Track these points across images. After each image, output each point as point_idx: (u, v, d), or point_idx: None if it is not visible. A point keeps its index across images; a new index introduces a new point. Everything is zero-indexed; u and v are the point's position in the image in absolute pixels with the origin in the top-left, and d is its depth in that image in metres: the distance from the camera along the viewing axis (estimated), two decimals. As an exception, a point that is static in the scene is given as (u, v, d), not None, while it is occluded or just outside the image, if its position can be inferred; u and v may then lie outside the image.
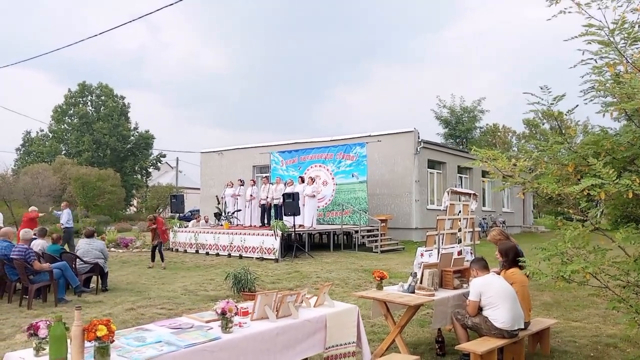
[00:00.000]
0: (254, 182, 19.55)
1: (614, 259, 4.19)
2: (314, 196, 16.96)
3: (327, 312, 4.25)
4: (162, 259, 13.62)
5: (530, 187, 4.47)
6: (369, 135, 20.63)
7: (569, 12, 4.32)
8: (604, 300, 4.86)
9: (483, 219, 24.12)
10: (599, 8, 4.25)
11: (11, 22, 77.23)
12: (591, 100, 4.51)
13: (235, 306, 3.56)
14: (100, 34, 17.16)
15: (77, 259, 9.24)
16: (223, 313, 3.47)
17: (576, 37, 4.19)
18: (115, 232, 20.49)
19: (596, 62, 4.38)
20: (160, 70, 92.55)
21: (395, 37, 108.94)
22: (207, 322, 3.75)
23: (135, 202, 45.58)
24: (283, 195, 15.87)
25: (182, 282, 10.66)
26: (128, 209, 41.43)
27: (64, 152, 43.63)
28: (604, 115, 4.40)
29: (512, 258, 5.50)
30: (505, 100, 78.28)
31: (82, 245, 9.60)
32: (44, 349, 2.97)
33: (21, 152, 45.69)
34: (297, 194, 15.63)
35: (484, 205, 25.88)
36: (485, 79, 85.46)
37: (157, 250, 13.65)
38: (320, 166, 20.06)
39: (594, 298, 8.32)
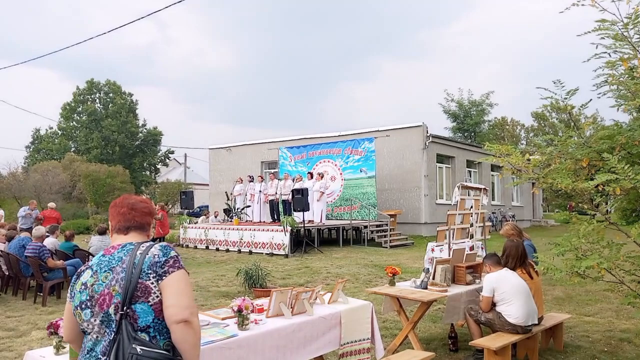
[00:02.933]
0: (262, 178, 19.59)
1: (629, 254, 4.17)
2: (323, 192, 16.98)
3: (341, 308, 4.26)
4: None
5: (543, 183, 4.46)
6: (377, 130, 20.58)
7: (582, 5, 4.28)
8: (618, 295, 4.83)
9: (493, 213, 24.04)
10: (612, 0, 4.21)
11: (19, 22, 77.64)
12: (604, 94, 4.48)
13: (252, 303, 3.59)
14: (108, 31, 17.23)
15: (90, 256, 9.32)
16: (239, 310, 3.50)
17: (589, 32, 4.15)
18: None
19: (610, 56, 4.35)
20: (168, 67, 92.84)
21: (402, 32, 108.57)
22: (223, 319, 3.77)
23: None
24: (292, 191, 15.89)
25: (194, 278, 10.70)
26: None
27: (73, 149, 43.80)
28: (618, 109, 4.38)
29: (504, 257, 5.39)
30: (513, 93, 77.81)
31: (95, 243, 9.67)
32: (64, 347, 3.01)
33: (31, 149, 45.93)
34: (306, 189, 15.66)
35: (493, 199, 25.79)
36: (492, 72, 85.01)
37: None
38: (328, 161, 20.06)
39: (607, 292, 8.29)
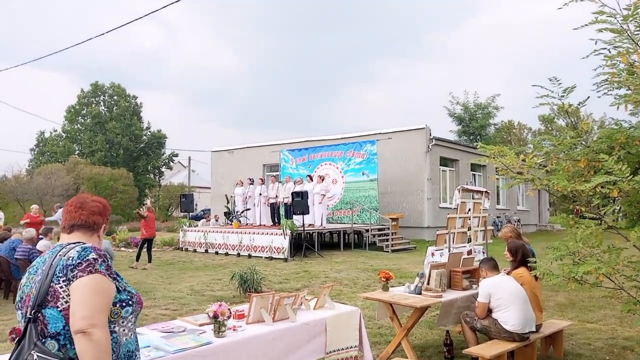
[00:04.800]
0: (263, 180, 19.43)
1: (629, 258, 3.98)
2: (324, 195, 16.80)
3: (327, 315, 4.09)
4: (150, 259, 13.23)
5: (539, 185, 4.27)
6: (380, 133, 20.38)
7: (582, 0, 4.11)
8: (619, 302, 4.64)
9: (497, 217, 23.76)
10: (612, -7, 4.04)
11: (29, 28, 78.15)
12: (605, 94, 4.29)
13: (229, 309, 3.42)
14: (107, 32, 17.17)
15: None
16: (215, 316, 3.33)
17: (586, 25, 3.97)
18: (127, 231, 20.52)
19: (610, 51, 4.17)
20: (174, 70, 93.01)
21: (408, 34, 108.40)
22: (201, 325, 3.61)
23: (148, 201, 45.82)
24: (292, 193, 15.73)
25: (189, 282, 10.56)
26: (141, 208, 41.60)
27: (77, 152, 43.87)
28: (617, 108, 4.19)
29: (520, 258, 5.29)
30: (520, 97, 77.42)
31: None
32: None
33: (35, 152, 46.06)
34: (306, 192, 15.49)
35: (498, 203, 25.49)
36: (499, 75, 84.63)
37: (144, 248, 13.40)
38: (330, 164, 19.88)
39: (610, 299, 8.06)
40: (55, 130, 45.94)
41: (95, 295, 1.83)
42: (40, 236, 9.37)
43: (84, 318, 1.77)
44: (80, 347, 1.78)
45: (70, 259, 1.90)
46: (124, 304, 1.96)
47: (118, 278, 2.01)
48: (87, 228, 2.13)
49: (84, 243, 2.02)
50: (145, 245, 13.38)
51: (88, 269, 1.87)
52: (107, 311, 1.86)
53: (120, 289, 1.98)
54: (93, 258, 1.91)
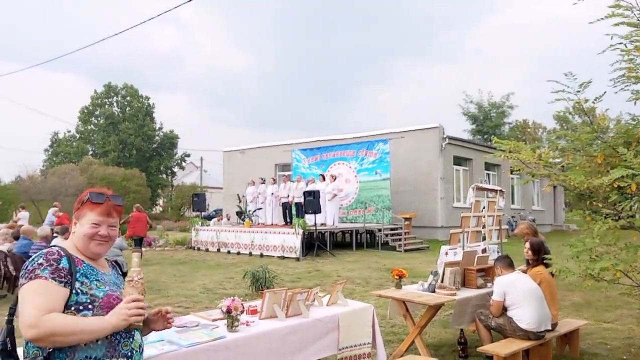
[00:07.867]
0: (274, 180, 19.43)
1: (648, 256, 3.91)
2: (335, 194, 16.76)
3: (339, 311, 4.07)
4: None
5: (555, 180, 4.22)
6: (392, 132, 20.30)
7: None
8: (637, 300, 4.57)
9: (512, 217, 23.54)
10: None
11: (44, 27, 78.96)
12: (622, 89, 4.24)
13: (242, 304, 3.41)
14: (120, 32, 17.27)
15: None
16: (228, 311, 3.33)
17: (602, 18, 3.92)
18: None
19: (626, 46, 4.11)
20: (184, 71, 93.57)
21: (420, 34, 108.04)
22: (214, 320, 3.61)
23: (160, 201, 46.08)
24: (304, 193, 15.71)
25: (202, 281, 10.59)
26: (153, 209, 41.81)
27: (90, 152, 44.30)
28: (635, 103, 4.13)
29: (541, 256, 5.23)
30: (535, 96, 76.77)
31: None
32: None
33: (49, 152, 46.54)
34: (318, 191, 15.46)
35: (512, 202, 25.25)
36: (514, 74, 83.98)
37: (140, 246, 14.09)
38: (342, 164, 19.82)
39: (627, 298, 7.94)
40: (69, 131, 46.49)
41: (29, 302, 1.78)
42: (56, 234, 9.43)
43: (25, 326, 1.75)
44: (42, 345, 1.82)
45: (26, 264, 1.93)
46: (80, 307, 1.84)
47: (81, 279, 1.90)
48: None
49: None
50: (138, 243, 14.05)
51: (30, 275, 1.85)
52: (47, 308, 1.77)
53: (80, 291, 1.87)
54: (39, 263, 1.88)
